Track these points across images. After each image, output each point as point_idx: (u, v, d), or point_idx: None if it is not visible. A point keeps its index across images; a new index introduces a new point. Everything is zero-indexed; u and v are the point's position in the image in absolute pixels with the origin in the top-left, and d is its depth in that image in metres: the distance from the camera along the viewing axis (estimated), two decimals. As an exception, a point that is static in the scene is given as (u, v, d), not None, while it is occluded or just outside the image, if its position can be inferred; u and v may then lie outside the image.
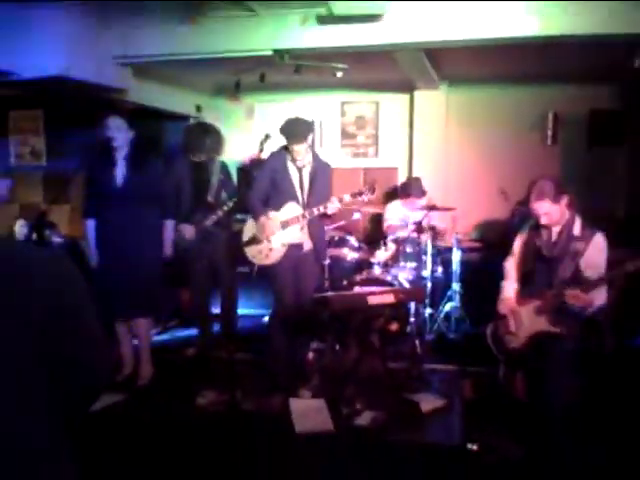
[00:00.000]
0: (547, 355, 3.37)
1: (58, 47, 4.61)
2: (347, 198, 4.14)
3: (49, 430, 1.29)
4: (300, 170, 4.26)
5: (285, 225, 4.24)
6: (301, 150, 4.16)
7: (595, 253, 3.37)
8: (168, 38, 4.93)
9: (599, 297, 3.33)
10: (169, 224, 4.43)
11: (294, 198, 4.27)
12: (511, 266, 3.76)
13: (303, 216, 4.21)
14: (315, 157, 4.36)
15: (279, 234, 4.24)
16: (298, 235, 4.26)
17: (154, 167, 4.26)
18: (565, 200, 3.45)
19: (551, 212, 3.44)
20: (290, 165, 4.26)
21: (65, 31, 4.65)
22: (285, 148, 4.24)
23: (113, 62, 5.17)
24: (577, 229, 3.47)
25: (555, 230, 3.52)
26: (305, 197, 4.27)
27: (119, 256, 4.11)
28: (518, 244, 3.75)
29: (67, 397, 1.37)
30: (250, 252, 4.35)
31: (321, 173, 4.32)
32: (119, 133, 4.06)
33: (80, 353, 1.36)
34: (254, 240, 4.32)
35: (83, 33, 4.83)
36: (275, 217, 4.25)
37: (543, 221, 3.48)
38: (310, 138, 4.25)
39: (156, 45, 4.98)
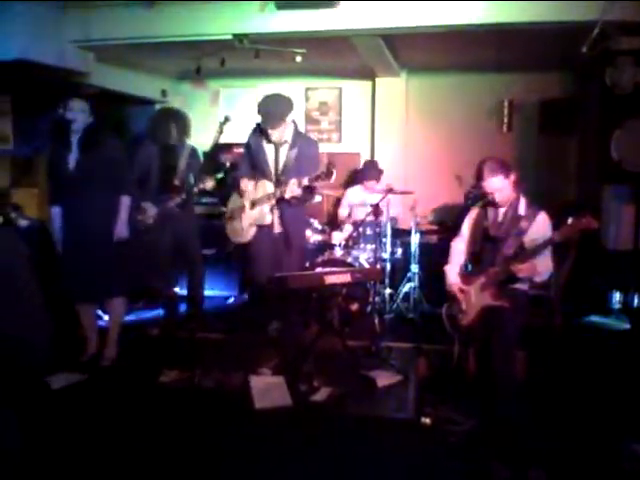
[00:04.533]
0: (493, 329, 3.47)
1: (18, 30, 4.60)
2: (305, 182, 4.07)
3: None
4: (277, 147, 4.07)
5: (254, 204, 4.13)
6: (275, 132, 3.99)
7: (538, 230, 3.46)
8: (128, 22, 4.94)
9: (541, 265, 3.43)
10: (125, 200, 4.13)
11: (267, 176, 4.12)
12: (456, 246, 3.85)
13: (272, 196, 4.07)
14: (298, 134, 4.17)
15: (248, 213, 4.14)
16: (266, 216, 4.13)
17: (107, 148, 4.10)
18: (514, 176, 3.55)
19: (503, 188, 3.52)
20: (265, 142, 4.06)
21: (25, 14, 4.63)
22: (258, 125, 4.07)
23: (75, 46, 5.16)
24: (522, 208, 3.56)
25: (501, 211, 3.61)
26: (279, 175, 4.11)
27: (79, 240, 4.10)
28: (467, 225, 3.83)
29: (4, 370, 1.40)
30: (228, 229, 4.32)
31: (304, 151, 4.12)
32: (81, 116, 4.01)
33: (20, 327, 1.40)
34: (232, 217, 4.26)
35: (43, 16, 4.82)
36: (248, 195, 4.11)
37: (497, 198, 3.55)
38: (289, 117, 4.01)
39: (115, 29, 4.99)
